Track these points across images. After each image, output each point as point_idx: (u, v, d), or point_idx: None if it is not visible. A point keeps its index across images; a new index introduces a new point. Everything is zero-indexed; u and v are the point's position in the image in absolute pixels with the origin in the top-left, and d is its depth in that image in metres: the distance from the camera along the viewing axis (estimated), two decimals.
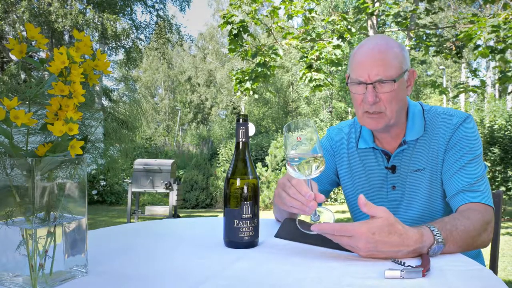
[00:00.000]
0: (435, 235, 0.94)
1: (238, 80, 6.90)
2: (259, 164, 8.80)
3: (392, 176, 1.29)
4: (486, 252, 1.35)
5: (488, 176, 7.71)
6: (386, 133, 1.28)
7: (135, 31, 16.54)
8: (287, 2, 6.77)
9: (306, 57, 6.90)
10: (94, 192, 8.88)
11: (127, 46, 16.52)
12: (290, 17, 6.87)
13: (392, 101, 1.18)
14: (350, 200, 1.42)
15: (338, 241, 0.89)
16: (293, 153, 0.91)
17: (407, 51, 1.23)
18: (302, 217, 0.96)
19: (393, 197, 1.30)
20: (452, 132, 1.22)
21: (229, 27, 6.52)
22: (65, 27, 13.81)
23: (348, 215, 7.20)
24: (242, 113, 1.01)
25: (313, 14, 6.92)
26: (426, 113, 1.29)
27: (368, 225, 0.87)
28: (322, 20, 7.42)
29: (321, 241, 0.99)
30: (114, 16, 14.72)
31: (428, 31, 7.05)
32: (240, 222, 0.95)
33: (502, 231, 5.75)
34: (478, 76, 6.95)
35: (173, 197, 6.14)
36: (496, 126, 8.25)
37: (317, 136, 0.93)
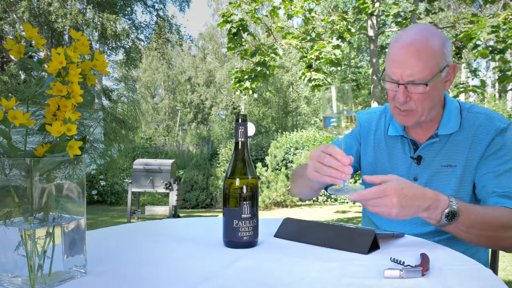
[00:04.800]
0: (451, 201, 0.97)
1: (237, 79, 6.89)
2: (259, 164, 8.77)
3: (416, 167, 1.27)
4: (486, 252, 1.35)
5: None
6: (417, 125, 1.26)
7: (135, 31, 16.53)
8: (287, 2, 6.77)
9: (306, 57, 6.90)
10: (94, 192, 8.87)
11: (127, 46, 16.51)
12: (290, 17, 6.87)
13: (425, 100, 1.16)
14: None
15: (373, 207, 0.94)
16: (330, 113, 0.97)
17: (449, 45, 1.16)
18: (334, 187, 0.98)
19: None
20: (493, 135, 1.18)
21: (228, 25, 6.52)
22: (65, 27, 13.80)
23: (348, 215, 7.20)
24: (241, 113, 1.01)
25: (313, 14, 6.93)
26: (464, 111, 1.26)
27: (395, 182, 0.92)
28: (322, 20, 7.42)
29: (321, 241, 0.99)
30: (114, 16, 14.70)
31: None
32: (239, 222, 0.95)
33: None
34: (478, 76, 6.96)
35: (173, 197, 6.12)
36: None
37: (351, 99, 0.98)
